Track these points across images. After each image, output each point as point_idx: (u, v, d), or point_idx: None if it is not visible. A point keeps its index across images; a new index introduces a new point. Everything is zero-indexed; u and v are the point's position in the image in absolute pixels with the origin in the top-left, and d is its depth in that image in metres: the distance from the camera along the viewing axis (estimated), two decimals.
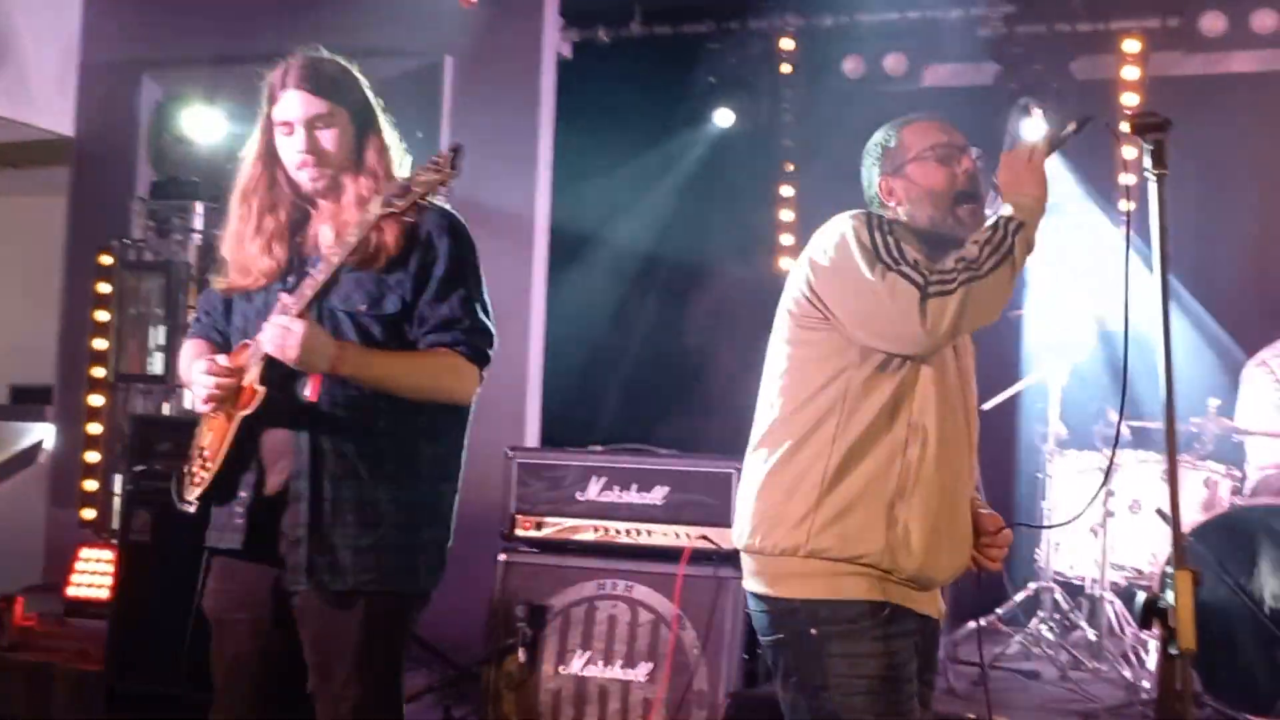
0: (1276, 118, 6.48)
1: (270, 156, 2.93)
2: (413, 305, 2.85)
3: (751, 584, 2.73)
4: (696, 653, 4.62)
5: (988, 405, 5.68)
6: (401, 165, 2.96)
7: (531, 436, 6.59)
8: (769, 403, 2.73)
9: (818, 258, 2.64)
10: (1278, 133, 6.46)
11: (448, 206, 2.97)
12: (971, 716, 4.45)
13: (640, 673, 4.68)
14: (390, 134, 2.96)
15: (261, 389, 2.78)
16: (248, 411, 2.80)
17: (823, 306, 2.62)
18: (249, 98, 6.95)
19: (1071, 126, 2.57)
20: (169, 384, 6.23)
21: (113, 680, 5.00)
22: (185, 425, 5.37)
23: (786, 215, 7.27)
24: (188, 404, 6.25)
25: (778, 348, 2.73)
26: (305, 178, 2.88)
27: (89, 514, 6.42)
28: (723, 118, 7.25)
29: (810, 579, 2.60)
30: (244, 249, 2.94)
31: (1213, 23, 6.40)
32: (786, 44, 7.15)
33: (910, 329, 2.48)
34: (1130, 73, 6.56)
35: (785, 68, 7.18)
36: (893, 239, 2.56)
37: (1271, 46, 6.51)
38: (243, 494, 2.85)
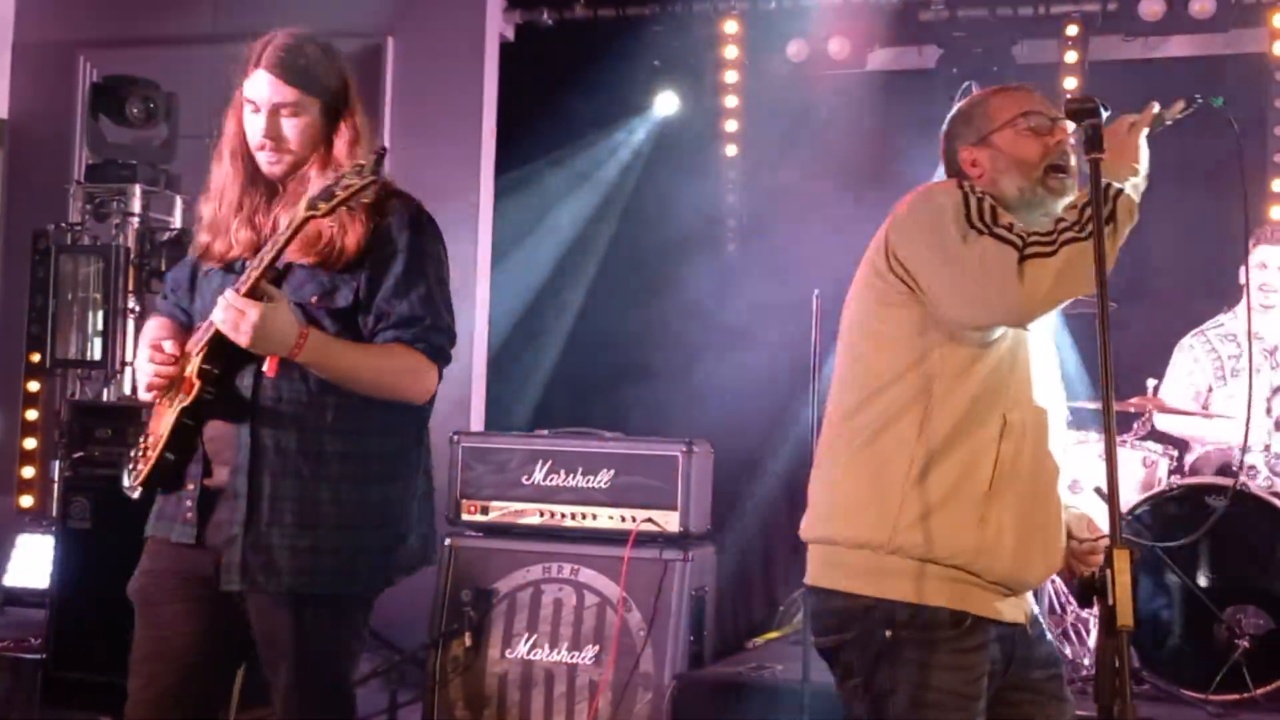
0: None
1: (240, 126, 2.85)
2: (369, 299, 2.75)
3: (820, 577, 2.55)
4: (642, 635, 4.63)
5: None
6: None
7: (476, 421, 6.57)
8: (846, 385, 2.57)
9: (904, 227, 2.49)
10: (1214, 116, 6.53)
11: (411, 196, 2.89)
12: None
13: (586, 656, 4.69)
14: (365, 125, 2.87)
15: (198, 382, 2.71)
16: (185, 403, 2.73)
17: (910, 279, 2.45)
18: (186, 78, 6.85)
19: (1179, 105, 2.44)
20: (108, 370, 6.15)
21: (52, 668, 4.95)
22: (124, 411, 5.36)
23: (731, 198, 7.26)
24: (127, 389, 6.17)
25: (855, 328, 2.58)
26: (263, 159, 2.81)
27: (27, 501, 6.33)
28: (665, 103, 7.23)
29: (890, 578, 2.43)
30: (226, 211, 2.83)
31: (1151, 7, 6.45)
32: (731, 27, 7.14)
33: (1008, 294, 2.30)
34: (1070, 57, 6.61)
35: (729, 51, 7.18)
36: (987, 203, 2.40)
37: (1209, 30, 6.57)
38: (190, 486, 2.78)
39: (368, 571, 2.80)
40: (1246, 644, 4.34)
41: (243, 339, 2.61)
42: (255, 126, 2.79)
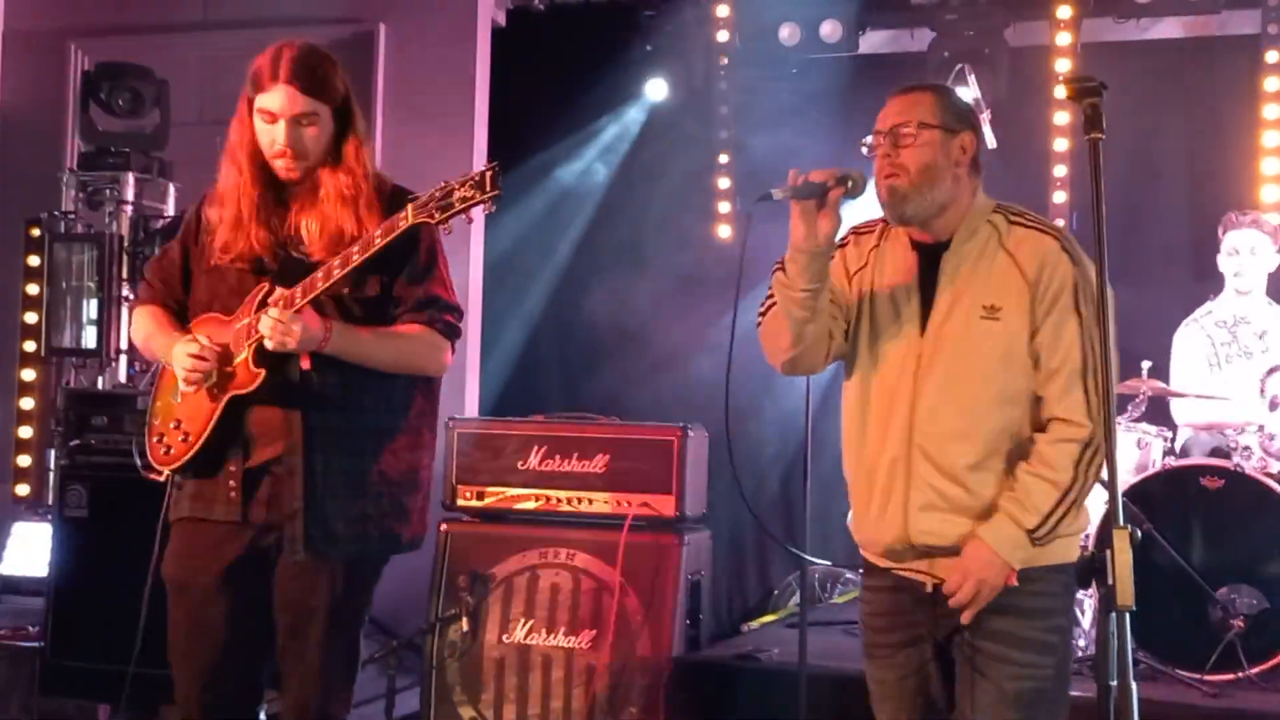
0: (1203, 83, 6.56)
1: (253, 134, 3.05)
2: (390, 287, 3.04)
3: None
4: (639, 619, 4.64)
5: None
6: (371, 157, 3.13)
7: (471, 406, 6.58)
8: None
9: None
10: (1205, 98, 6.54)
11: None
12: None
13: (583, 640, 4.70)
14: (365, 128, 3.12)
15: (261, 371, 2.93)
16: (244, 391, 2.96)
17: None
18: (177, 66, 6.83)
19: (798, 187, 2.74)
20: (102, 358, 6.14)
21: (50, 657, 4.96)
22: (120, 399, 5.35)
23: (724, 183, 7.26)
24: (122, 377, 6.17)
25: None
26: (281, 166, 3.03)
27: (23, 490, 6.34)
28: (655, 89, 7.21)
29: None
30: (247, 212, 3.03)
31: None
32: (722, 10, 7.12)
33: None
34: (1063, 39, 6.60)
35: (721, 35, 7.16)
36: None
37: (1201, 12, 6.57)
38: (232, 468, 3.02)
39: (409, 535, 3.15)
40: (1241, 624, 4.37)
41: (290, 348, 2.89)
42: (273, 135, 3.02)
